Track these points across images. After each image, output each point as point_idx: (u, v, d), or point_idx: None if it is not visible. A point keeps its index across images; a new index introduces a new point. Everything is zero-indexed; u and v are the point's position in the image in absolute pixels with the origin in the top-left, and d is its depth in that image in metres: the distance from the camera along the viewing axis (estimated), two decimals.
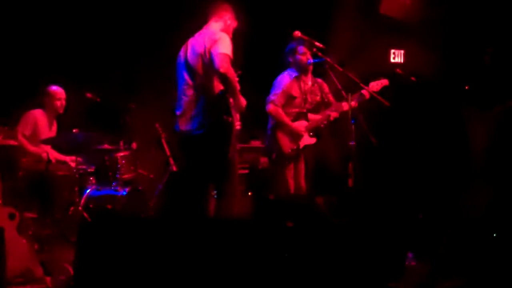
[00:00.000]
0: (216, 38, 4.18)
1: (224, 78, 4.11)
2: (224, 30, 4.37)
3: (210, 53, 4.14)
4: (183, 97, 4.34)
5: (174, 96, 5.94)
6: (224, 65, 4.06)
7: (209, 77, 4.23)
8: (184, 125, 4.32)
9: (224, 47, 4.12)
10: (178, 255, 3.14)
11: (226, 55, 4.09)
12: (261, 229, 3.26)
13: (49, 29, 6.27)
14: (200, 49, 4.24)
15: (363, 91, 5.16)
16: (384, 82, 5.34)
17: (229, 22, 4.45)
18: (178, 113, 4.38)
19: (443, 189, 5.80)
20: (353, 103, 4.98)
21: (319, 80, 5.50)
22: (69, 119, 5.94)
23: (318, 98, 5.46)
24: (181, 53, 4.44)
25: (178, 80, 4.42)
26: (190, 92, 4.30)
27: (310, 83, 5.43)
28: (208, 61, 4.18)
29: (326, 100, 5.49)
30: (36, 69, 6.10)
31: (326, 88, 5.51)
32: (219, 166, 4.27)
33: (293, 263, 3.16)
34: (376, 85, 5.28)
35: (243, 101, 4.31)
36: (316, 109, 5.46)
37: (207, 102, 4.24)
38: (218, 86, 4.23)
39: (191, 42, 4.39)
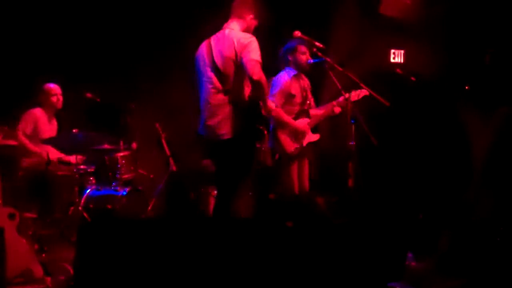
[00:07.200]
0: (246, 43, 4.12)
1: (258, 85, 4.09)
2: (245, 30, 4.31)
3: (241, 59, 4.11)
4: (210, 101, 4.22)
5: (176, 96, 6.01)
6: (256, 72, 4.04)
7: (240, 82, 4.19)
8: (212, 130, 4.22)
9: (254, 52, 4.09)
10: (178, 255, 3.15)
11: (257, 61, 4.07)
12: (261, 229, 3.27)
13: (50, 29, 6.26)
14: (230, 53, 4.16)
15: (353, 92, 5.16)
16: (364, 92, 5.20)
17: (250, 21, 4.36)
18: (203, 116, 4.28)
19: (443, 190, 5.80)
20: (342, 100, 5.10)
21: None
22: (69, 119, 5.94)
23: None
24: (204, 53, 4.31)
25: (202, 81, 4.30)
26: (219, 96, 4.20)
27: (308, 80, 5.43)
28: (240, 66, 4.15)
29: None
30: (36, 69, 6.09)
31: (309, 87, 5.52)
32: (244, 170, 4.25)
33: (293, 263, 3.16)
34: (356, 95, 5.16)
35: (271, 106, 4.33)
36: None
37: (240, 108, 4.19)
38: (247, 92, 4.22)
39: (214, 43, 4.28)
